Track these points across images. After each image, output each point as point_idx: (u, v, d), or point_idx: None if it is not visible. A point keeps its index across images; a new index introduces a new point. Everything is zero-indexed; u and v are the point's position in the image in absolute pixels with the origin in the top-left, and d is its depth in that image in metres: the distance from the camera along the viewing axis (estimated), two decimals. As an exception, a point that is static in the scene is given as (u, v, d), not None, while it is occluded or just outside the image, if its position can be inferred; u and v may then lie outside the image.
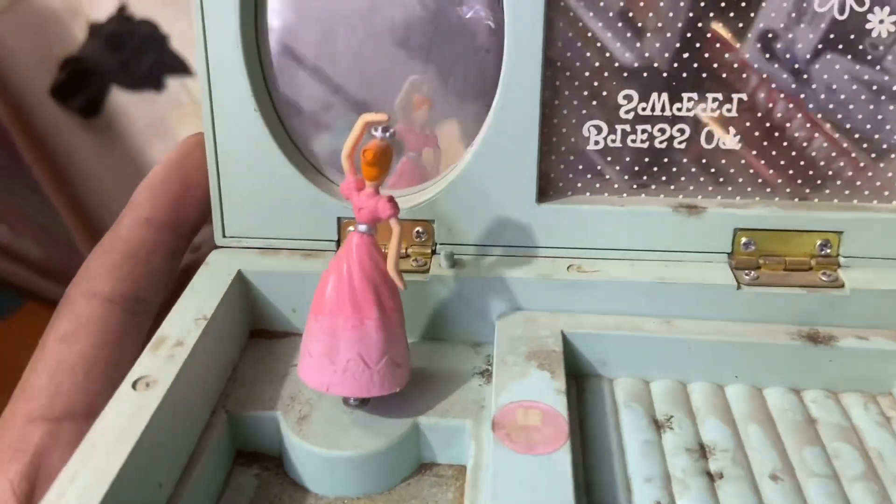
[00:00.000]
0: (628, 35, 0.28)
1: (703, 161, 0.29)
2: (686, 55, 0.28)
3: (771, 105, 0.28)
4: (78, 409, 0.26)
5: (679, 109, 0.29)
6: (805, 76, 0.28)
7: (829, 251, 0.29)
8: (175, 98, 0.58)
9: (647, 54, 0.28)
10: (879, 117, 0.28)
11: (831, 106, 0.28)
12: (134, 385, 0.23)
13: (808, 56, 0.28)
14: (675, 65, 0.28)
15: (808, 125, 0.29)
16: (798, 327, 0.28)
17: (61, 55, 0.62)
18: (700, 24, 0.27)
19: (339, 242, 0.30)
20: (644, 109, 0.29)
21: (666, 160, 0.30)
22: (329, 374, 0.25)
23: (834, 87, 0.28)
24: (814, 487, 0.24)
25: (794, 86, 0.28)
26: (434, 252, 0.30)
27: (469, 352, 0.30)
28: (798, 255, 0.29)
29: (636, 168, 0.30)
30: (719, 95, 0.28)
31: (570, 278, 0.29)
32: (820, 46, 0.28)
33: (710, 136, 0.29)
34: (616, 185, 0.30)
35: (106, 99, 0.60)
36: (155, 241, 0.30)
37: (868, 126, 0.28)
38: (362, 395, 0.25)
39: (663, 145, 0.29)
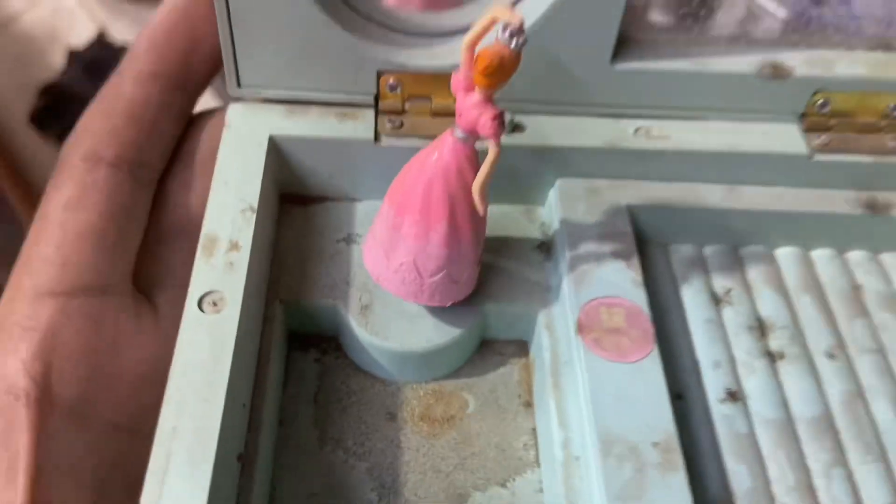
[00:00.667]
0: None
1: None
2: None
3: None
4: (90, 283, 0.24)
5: (782, -49, 0.25)
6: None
7: (900, 112, 0.28)
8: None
9: None
10: None
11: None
12: (200, 305, 0.21)
13: None
14: None
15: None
16: (857, 193, 0.28)
17: (40, 82, 0.61)
18: None
19: (377, 98, 0.27)
20: (742, -51, 0.25)
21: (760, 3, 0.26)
22: (382, 268, 0.24)
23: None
24: (866, 364, 0.26)
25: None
26: (487, 110, 0.27)
27: (521, 218, 0.28)
28: (869, 115, 0.28)
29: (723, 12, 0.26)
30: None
31: (636, 146, 0.27)
32: None
33: (806, -18, 0.26)
34: (697, 32, 0.27)
35: (85, 125, 0.55)
36: (161, 101, 0.25)
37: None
38: (409, 300, 0.24)
39: (753, -9, 0.26)
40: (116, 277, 0.25)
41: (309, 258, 0.26)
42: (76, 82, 0.61)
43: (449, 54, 0.26)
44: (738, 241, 0.28)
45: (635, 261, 0.25)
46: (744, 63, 0.26)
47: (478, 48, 0.19)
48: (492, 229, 0.27)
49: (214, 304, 0.21)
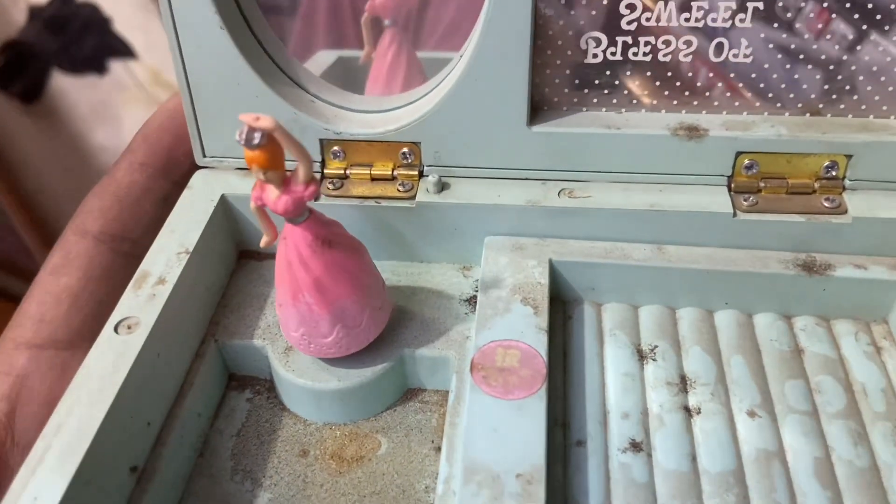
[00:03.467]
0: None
1: (710, 75, 0.27)
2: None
3: (788, 15, 0.26)
4: (59, 338, 0.27)
5: (687, 20, 0.26)
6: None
7: (835, 173, 0.27)
8: (118, 81, 0.54)
9: (651, -40, 0.25)
10: None
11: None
12: (116, 328, 0.24)
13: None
14: (683, -30, 0.25)
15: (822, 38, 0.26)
16: (795, 254, 0.27)
17: (1, 39, 0.59)
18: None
19: (323, 163, 0.29)
20: (648, 20, 0.26)
21: (670, 74, 0.27)
22: (281, 316, 0.26)
23: None
24: (790, 424, 0.24)
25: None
26: (422, 174, 0.29)
27: (458, 275, 0.29)
28: (802, 177, 0.28)
29: (637, 82, 0.28)
30: (732, 4, 0.26)
31: (560, 205, 0.28)
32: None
33: (719, 49, 0.27)
34: (615, 101, 0.28)
35: (47, 83, 0.57)
36: (146, 185, 0.30)
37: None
38: (292, 343, 0.26)
39: (667, 58, 0.27)
40: (87, 332, 0.28)
41: (251, 305, 0.28)
42: (37, 39, 0.59)
43: (380, 124, 0.28)
44: (674, 301, 0.28)
45: (544, 310, 0.26)
46: (659, 125, 0.27)
47: None
48: (427, 284, 0.29)
49: (129, 327, 0.24)
